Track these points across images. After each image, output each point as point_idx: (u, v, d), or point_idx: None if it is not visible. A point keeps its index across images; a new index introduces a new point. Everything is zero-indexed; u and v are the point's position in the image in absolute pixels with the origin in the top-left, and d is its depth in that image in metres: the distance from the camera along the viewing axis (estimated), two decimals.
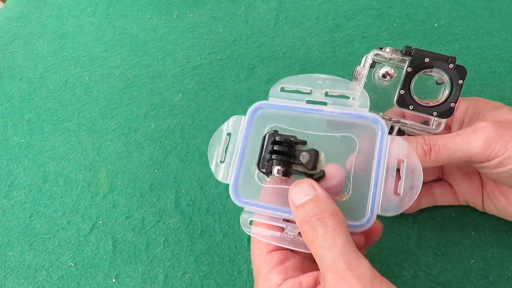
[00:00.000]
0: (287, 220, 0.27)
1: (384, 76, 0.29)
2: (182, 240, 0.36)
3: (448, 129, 0.33)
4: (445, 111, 0.28)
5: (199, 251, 0.35)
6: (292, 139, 0.27)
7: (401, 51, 0.29)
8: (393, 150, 0.26)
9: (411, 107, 0.29)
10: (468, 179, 0.33)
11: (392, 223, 0.35)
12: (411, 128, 0.31)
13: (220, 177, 0.29)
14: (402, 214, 0.34)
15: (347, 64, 0.44)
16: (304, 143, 0.27)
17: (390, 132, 0.30)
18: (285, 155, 0.26)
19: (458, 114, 0.32)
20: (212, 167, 0.29)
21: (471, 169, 0.33)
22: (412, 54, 0.29)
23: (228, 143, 0.29)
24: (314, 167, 0.26)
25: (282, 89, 0.30)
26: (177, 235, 0.36)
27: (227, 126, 0.30)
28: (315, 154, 0.26)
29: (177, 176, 0.39)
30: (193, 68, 0.46)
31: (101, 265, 0.35)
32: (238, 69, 0.45)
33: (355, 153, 0.27)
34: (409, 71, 0.29)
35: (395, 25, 0.47)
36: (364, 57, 0.31)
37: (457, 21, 0.46)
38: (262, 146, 0.28)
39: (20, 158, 0.41)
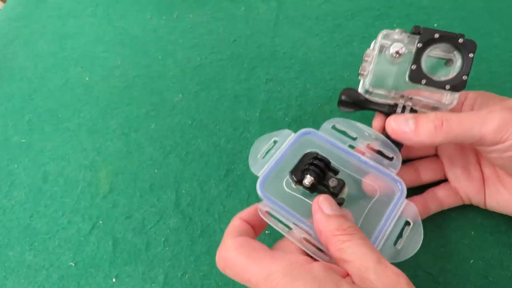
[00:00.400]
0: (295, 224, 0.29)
1: (397, 52, 0.29)
2: (182, 240, 0.36)
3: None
4: (458, 84, 0.28)
5: (199, 251, 0.35)
6: (329, 163, 0.31)
7: (410, 32, 0.30)
8: (405, 211, 0.30)
9: (423, 81, 0.29)
10: (468, 174, 0.33)
11: None
12: (423, 106, 0.31)
13: (253, 168, 0.32)
14: None
15: (347, 64, 0.44)
16: (336, 171, 0.31)
17: (403, 111, 0.31)
18: (320, 171, 0.30)
19: (468, 101, 0.31)
20: (251, 158, 0.33)
21: (471, 163, 0.33)
22: (420, 32, 0.29)
23: (271, 148, 0.33)
24: (337, 194, 0.29)
25: (333, 127, 0.34)
26: (177, 235, 0.36)
27: (277, 134, 0.34)
28: (342, 183, 0.30)
29: (177, 176, 0.39)
30: (193, 68, 0.46)
31: (101, 265, 0.35)
32: (238, 69, 0.45)
33: (375, 198, 0.30)
34: (419, 46, 0.29)
35: (395, 25, 0.47)
36: (374, 41, 0.31)
37: (457, 21, 0.46)
38: (301, 159, 0.32)
39: (20, 158, 0.41)
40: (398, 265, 0.33)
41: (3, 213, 0.38)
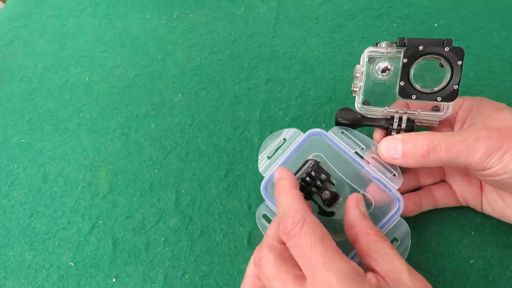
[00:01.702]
0: None
1: (382, 71, 0.30)
2: (182, 240, 0.36)
3: (450, 126, 0.33)
4: (449, 94, 0.28)
5: (199, 251, 0.35)
6: (326, 176, 0.32)
7: (395, 43, 0.29)
8: (396, 229, 0.31)
9: (413, 96, 0.29)
10: (467, 180, 0.33)
11: None
12: (420, 116, 0.31)
13: (261, 168, 0.34)
14: (401, 216, 0.34)
15: (347, 64, 0.44)
16: (332, 184, 0.33)
17: (399, 124, 0.31)
18: (315, 182, 0.31)
19: (461, 113, 0.32)
20: (260, 157, 0.34)
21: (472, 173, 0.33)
22: (406, 44, 0.28)
23: (280, 147, 0.34)
24: (328, 206, 0.32)
25: (342, 133, 0.34)
26: (177, 235, 0.36)
27: (286, 133, 0.35)
28: (334, 197, 0.32)
29: (177, 176, 0.39)
30: (193, 68, 0.46)
31: (101, 265, 0.35)
32: (238, 69, 0.45)
33: (369, 210, 0.31)
34: (405, 62, 0.28)
35: (395, 25, 0.47)
36: (362, 55, 0.31)
37: (457, 21, 0.46)
38: (302, 165, 0.33)
39: (20, 158, 0.41)
40: None
41: (3, 213, 0.38)
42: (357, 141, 0.34)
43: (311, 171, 0.32)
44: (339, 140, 0.33)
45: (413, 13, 0.47)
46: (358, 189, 0.32)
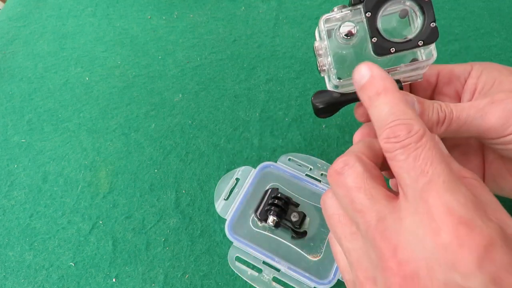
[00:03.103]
0: (266, 264, 0.33)
1: (347, 35, 0.25)
2: (182, 240, 0.36)
3: (457, 98, 0.29)
4: (429, 34, 0.25)
5: (199, 251, 0.35)
6: (289, 199, 0.34)
7: (349, 4, 0.26)
8: None
9: (392, 49, 0.25)
10: (466, 157, 0.30)
11: None
12: (403, 72, 0.27)
13: (219, 210, 0.35)
14: None
15: None
16: (297, 205, 0.34)
17: None
18: (281, 209, 0.33)
19: (470, 80, 0.28)
20: (216, 201, 0.36)
21: (471, 147, 0.30)
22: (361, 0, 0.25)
23: (234, 186, 0.36)
24: (300, 226, 0.33)
25: (290, 159, 0.37)
26: (177, 235, 0.36)
27: (238, 172, 0.37)
28: (303, 217, 0.33)
29: (177, 176, 0.39)
30: (193, 68, 0.46)
31: (101, 265, 0.35)
32: (238, 69, 0.45)
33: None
34: (368, 16, 0.25)
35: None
36: (317, 31, 0.28)
37: (457, 21, 0.46)
38: (263, 197, 0.35)
39: (20, 158, 0.41)
40: None
41: (3, 213, 0.38)
42: (304, 163, 0.37)
43: (273, 197, 0.34)
44: (288, 167, 0.37)
45: None
46: (319, 206, 0.34)
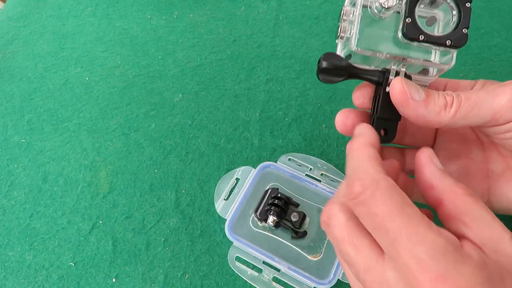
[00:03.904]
0: (266, 264, 0.33)
1: (385, 5, 0.24)
2: (182, 240, 0.36)
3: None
4: (459, 37, 0.25)
5: (199, 251, 0.35)
6: (288, 199, 0.34)
7: None
8: None
9: (421, 37, 0.24)
10: (465, 170, 0.29)
11: None
12: (416, 69, 0.26)
13: (219, 210, 0.35)
14: None
15: None
16: (297, 205, 0.34)
17: (397, 75, 0.26)
18: (281, 209, 0.33)
19: (476, 87, 0.27)
20: (216, 201, 0.35)
21: (472, 160, 0.29)
22: None
23: (234, 186, 0.36)
24: (300, 227, 0.33)
25: (289, 159, 0.37)
26: (177, 235, 0.36)
27: (238, 172, 0.37)
28: (303, 217, 0.33)
29: (177, 176, 0.39)
30: (193, 68, 0.46)
31: (101, 265, 0.35)
32: (238, 69, 0.45)
33: None
34: None
35: None
36: None
37: None
38: (263, 197, 0.35)
39: (20, 158, 0.41)
40: None
41: (3, 213, 0.38)
42: (304, 163, 0.37)
43: (273, 197, 0.34)
44: (288, 167, 0.37)
45: None
46: (319, 206, 0.35)
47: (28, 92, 0.46)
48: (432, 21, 0.26)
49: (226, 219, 0.34)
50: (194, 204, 0.37)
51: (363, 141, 0.23)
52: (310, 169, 0.37)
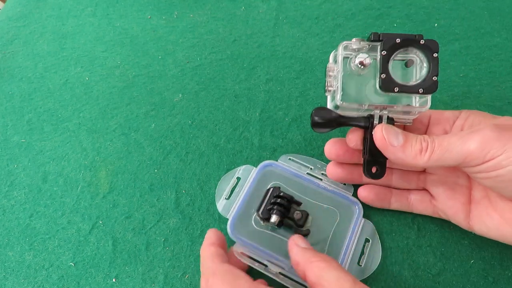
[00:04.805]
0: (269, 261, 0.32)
1: (360, 64, 0.28)
2: (182, 240, 0.36)
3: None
4: (430, 86, 0.28)
5: (199, 251, 0.35)
6: (290, 198, 0.33)
7: (368, 39, 0.29)
8: (364, 230, 0.34)
9: (396, 89, 0.28)
10: (451, 193, 0.31)
11: (392, 223, 0.35)
12: (399, 110, 0.30)
13: (221, 209, 0.35)
14: (401, 213, 0.35)
15: None
16: (299, 204, 0.34)
17: (380, 122, 0.30)
18: (283, 208, 0.32)
19: (458, 121, 0.30)
20: (218, 200, 0.35)
21: (458, 184, 0.31)
22: (380, 38, 0.28)
23: (236, 185, 0.36)
24: (303, 225, 0.33)
25: (290, 159, 0.38)
26: (177, 235, 0.36)
27: (239, 171, 0.37)
28: (306, 215, 0.33)
29: (177, 176, 0.39)
30: (193, 68, 0.46)
31: (101, 265, 0.35)
32: (238, 69, 0.45)
33: (335, 223, 0.34)
34: (383, 54, 0.28)
35: (395, 25, 0.47)
36: (333, 54, 0.31)
37: (457, 21, 0.46)
38: (265, 196, 0.34)
39: (20, 158, 0.41)
40: (398, 264, 0.33)
41: (3, 213, 0.38)
42: (305, 163, 0.37)
43: (275, 196, 0.34)
44: (290, 166, 0.37)
45: (413, 13, 0.47)
46: (322, 204, 0.35)
47: (28, 92, 0.46)
48: (411, 63, 0.29)
49: (227, 219, 0.34)
50: (194, 204, 0.37)
51: (207, 243, 0.29)
52: (311, 168, 0.37)
